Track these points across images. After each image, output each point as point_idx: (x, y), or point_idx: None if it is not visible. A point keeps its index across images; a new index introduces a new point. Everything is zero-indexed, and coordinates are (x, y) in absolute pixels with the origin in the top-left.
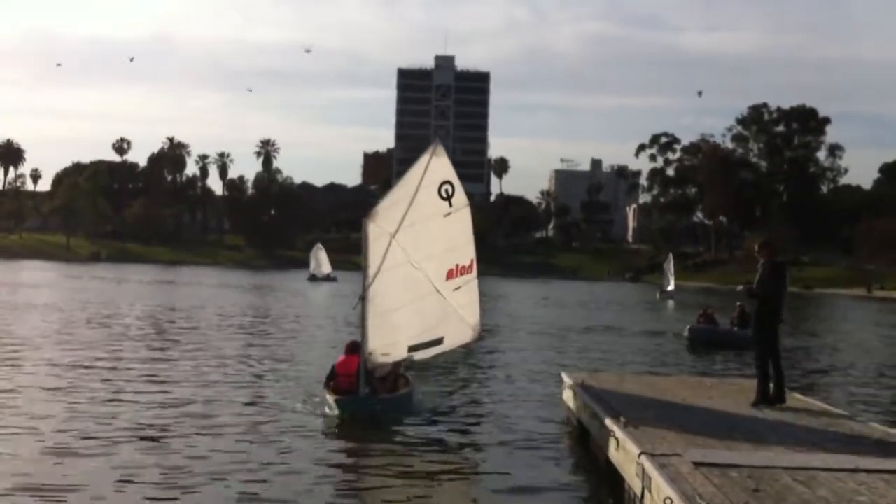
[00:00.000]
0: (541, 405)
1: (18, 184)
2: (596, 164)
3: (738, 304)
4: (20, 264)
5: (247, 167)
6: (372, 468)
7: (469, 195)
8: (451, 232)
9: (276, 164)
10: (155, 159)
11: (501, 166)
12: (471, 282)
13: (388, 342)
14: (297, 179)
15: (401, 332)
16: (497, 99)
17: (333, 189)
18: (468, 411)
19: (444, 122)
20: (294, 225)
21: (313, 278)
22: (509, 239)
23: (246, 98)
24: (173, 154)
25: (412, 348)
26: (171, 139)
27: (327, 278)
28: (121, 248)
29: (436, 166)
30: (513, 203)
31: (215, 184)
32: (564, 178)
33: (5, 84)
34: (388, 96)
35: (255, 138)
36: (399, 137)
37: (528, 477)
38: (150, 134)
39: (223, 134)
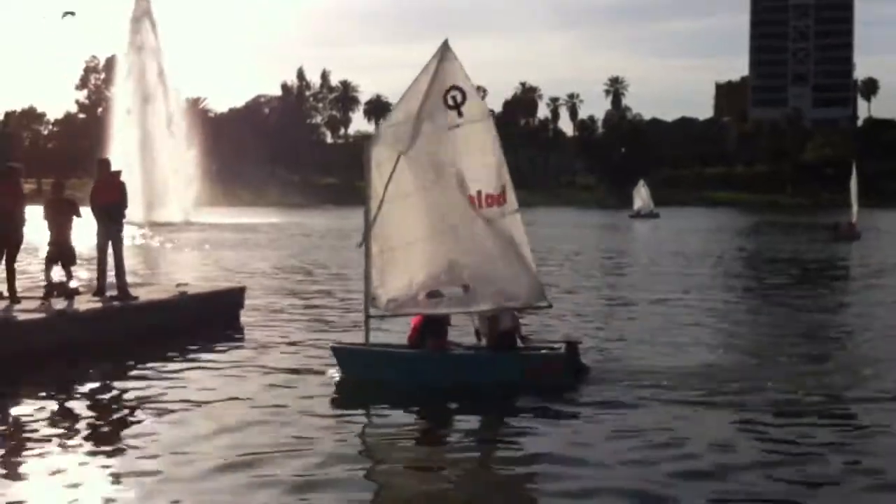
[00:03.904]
0: None
1: None
2: None
3: None
4: None
5: (596, 107)
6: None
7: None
8: (466, 148)
9: (624, 101)
10: (508, 105)
11: (870, 88)
12: (508, 216)
13: (395, 286)
14: (647, 116)
15: (409, 275)
16: (864, 14)
17: (684, 123)
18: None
19: (802, 44)
20: (645, 162)
21: (637, 215)
22: (881, 166)
23: (592, 37)
24: (525, 99)
25: (429, 295)
26: (523, 84)
27: (651, 215)
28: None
29: (444, 71)
30: (884, 127)
31: (566, 125)
32: None
33: (370, 42)
34: (739, 22)
35: (603, 77)
36: (754, 64)
37: None
38: (503, 81)
39: (572, 75)
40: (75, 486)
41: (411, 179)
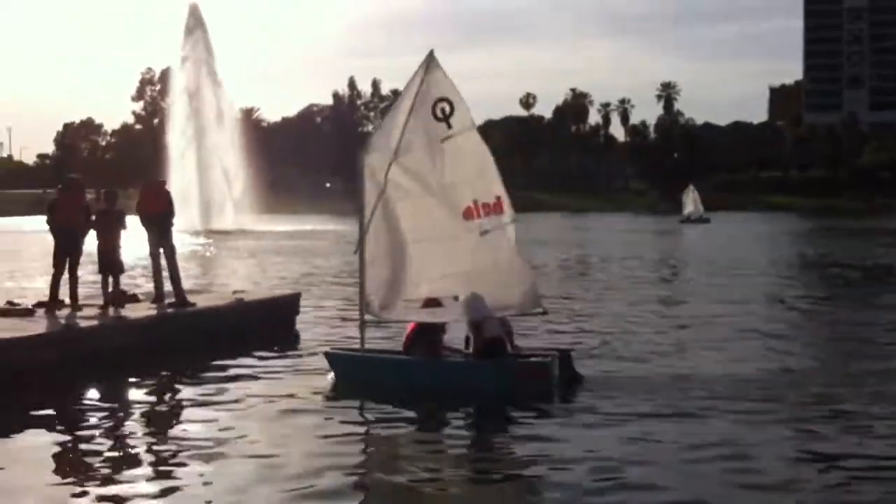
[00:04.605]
0: None
1: None
2: None
3: None
4: None
5: (648, 112)
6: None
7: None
8: (458, 159)
9: (676, 106)
10: (559, 111)
11: None
12: (506, 226)
13: (389, 293)
14: (699, 120)
15: (402, 282)
16: None
17: (738, 128)
18: None
19: (857, 47)
20: (698, 167)
21: (687, 220)
22: None
23: (643, 42)
24: (576, 104)
25: (425, 303)
26: (573, 90)
27: (701, 220)
28: (529, 197)
29: (430, 82)
30: None
31: (617, 131)
32: None
33: (415, 52)
34: (793, 25)
35: (654, 82)
36: (808, 68)
37: None
38: (553, 87)
39: (622, 81)
40: (122, 492)
41: (404, 188)
